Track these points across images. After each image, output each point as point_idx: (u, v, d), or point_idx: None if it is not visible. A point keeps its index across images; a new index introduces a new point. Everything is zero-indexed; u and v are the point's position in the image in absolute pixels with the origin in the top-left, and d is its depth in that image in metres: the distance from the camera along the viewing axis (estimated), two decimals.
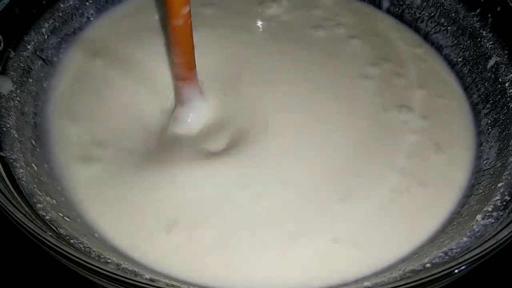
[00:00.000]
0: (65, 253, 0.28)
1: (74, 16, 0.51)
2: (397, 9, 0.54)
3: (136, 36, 0.51)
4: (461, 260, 0.27)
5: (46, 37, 0.48)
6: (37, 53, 0.47)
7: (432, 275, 0.26)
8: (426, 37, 0.52)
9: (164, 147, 0.43)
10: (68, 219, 0.36)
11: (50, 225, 0.33)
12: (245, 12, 0.53)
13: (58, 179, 0.41)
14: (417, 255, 0.35)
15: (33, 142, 0.43)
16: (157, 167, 0.40)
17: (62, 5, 0.50)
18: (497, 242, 0.28)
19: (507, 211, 0.33)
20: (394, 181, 0.40)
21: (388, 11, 0.55)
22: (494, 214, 0.34)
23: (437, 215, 0.38)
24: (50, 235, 0.29)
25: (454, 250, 0.32)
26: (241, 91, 0.46)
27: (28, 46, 0.46)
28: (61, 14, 0.50)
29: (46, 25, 0.48)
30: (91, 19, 0.52)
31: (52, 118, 0.46)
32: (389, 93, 0.46)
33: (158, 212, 0.38)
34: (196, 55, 0.41)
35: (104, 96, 0.47)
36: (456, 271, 0.28)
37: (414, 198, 0.39)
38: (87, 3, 0.52)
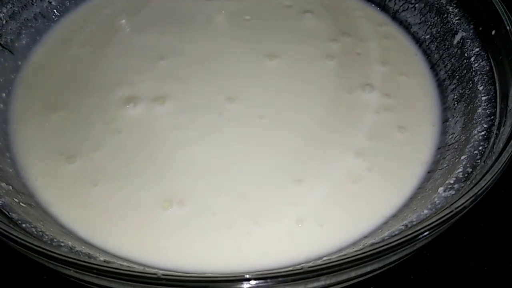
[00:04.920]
0: (10, 235, 0.27)
1: (34, 0, 0.50)
2: None
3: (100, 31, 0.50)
4: (418, 228, 0.27)
5: (4, 22, 0.47)
6: None
7: (388, 243, 0.26)
8: (394, 16, 0.52)
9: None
10: (24, 205, 0.35)
11: (2, 209, 0.32)
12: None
13: (17, 166, 0.40)
14: (380, 230, 0.35)
15: None
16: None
17: None
18: (453, 211, 0.27)
19: (468, 182, 0.33)
20: (357, 161, 0.40)
21: None
22: (456, 186, 0.34)
23: (402, 192, 0.38)
24: None
25: (414, 222, 0.31)
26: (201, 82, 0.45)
27: None
28: None
29: (4, 10, 0.47)
30: (52, 3, 0.51)
31: (14, 103, 0.45)
32: (351, 71, 0.46)
33: (119, 195, 0.38)
34: None
35: (71, 84, 0.46)
36: (421, 236, 0.27)
37: (379, 176, 0.39)
38: None
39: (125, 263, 0.31)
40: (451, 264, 0.43)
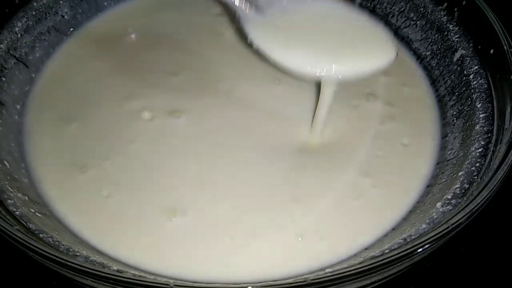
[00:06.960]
0: (31, 246, 0.28)
1: (47, 14, 0.51)
2: (369, 4, 0.55)
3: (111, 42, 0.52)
4: (416, 243, 0.28)
5: (19, 36, 0.48)
6: (10, 51, 0.47)
7: (388, 257, 0.27)
8: (396, 32, 0.54)
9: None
10: (39, 215, 0.36)
11: (20, 220, 0.33)
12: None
13: (32, 176, 0.42)
14: (381, 243, 0.36)
15: (7, 139, 0.43)
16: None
17: (35, 4, 0.50)
18: (449, 227, 0.29)
19: (464, 198, 0.34)
20: (358, 176, 0.41)
21: (361, 6, 0.56)
22: (453, 201, 0.35)
23: (402, 205, 0.39)
24: (17, 229, 0.30)
25: (413, 237, 0.33)
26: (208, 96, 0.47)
27: (1, 45, 0.47)
28: (34, 12, 0.50)
29: (19, 24, 0.49)
30: (65, 17, 0.53)
31: (29, 114, 0.46)
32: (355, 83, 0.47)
33: (128, 204, 0.39)
34: None
35: (83, 96, 0.47)
36: (420, 250, 0.29)
37: (380, 190, 0.40)
38: (61, 1, 0.52)
39: (136, 272, 0.33)
40: (449, 275, 0.44)
